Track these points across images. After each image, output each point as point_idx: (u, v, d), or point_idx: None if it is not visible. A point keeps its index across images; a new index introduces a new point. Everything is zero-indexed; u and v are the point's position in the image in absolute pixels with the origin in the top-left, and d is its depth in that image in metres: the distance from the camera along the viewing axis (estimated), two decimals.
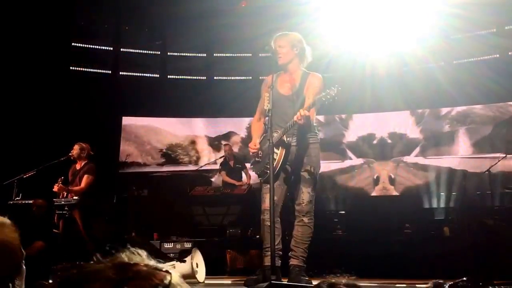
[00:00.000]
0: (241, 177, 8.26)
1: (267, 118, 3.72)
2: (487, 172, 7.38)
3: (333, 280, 1.01)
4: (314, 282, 3.61)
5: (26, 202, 6.01)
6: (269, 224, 3.66)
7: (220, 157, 8.74)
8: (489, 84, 8.43)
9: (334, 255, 6.50)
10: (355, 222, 7.89)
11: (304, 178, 3.89)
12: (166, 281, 0.78)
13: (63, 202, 6.17)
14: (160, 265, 0.82)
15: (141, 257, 0.83)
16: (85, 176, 6.43)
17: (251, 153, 4.03)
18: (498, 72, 8.38)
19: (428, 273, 5.62)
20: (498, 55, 8.77)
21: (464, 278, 1.17)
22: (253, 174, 5.37)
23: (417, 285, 4.81)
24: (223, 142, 9.37)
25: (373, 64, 9.28)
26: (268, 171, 3.70)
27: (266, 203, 3.85)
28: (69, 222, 6.11)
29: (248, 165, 7.01)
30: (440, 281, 1.23)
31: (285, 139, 3.77)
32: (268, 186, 3.76)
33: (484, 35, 8.46)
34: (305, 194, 3.86)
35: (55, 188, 6.20)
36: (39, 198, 6.01)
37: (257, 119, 4.17)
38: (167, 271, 0.81)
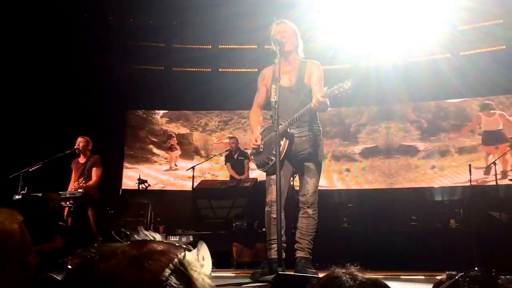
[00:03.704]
0: (244, 170, 8.28)
1: (273, 110, 3.69)
2: (493, 164, 7.33)
3: (355, 272, 1.00)
4: (321, 274, 3.60)
5: (41, 195, 6.02)
6: (274, 216, 3.68)
7: (226, 150, 8.75)
8: (495, 76, 8.35)
9: (341, 248, 6.51)
10: (362, 215, 7.88)
11: (309, 168, 3.88)
12: (181, 256, 0.77)
13: (68, 195, 6.22)
14: (174, 242, 0.83)
15: (155, 238, 0.84)
16: (94, 169, 6.53)
17: (252, 148, 4.05)
18: (505, 64, 8.28)
19: (434, 266, 5.61)
20: (504, 47, 8.65)
21: (476, 268, 1.16)
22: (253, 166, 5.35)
23: (423, 277, 4.80)
24: (230, 135, 9.38)
25: (378, 56, 9.20)
26: (269, 162, 3.79)
27: (270, 195, 3.85)
28: (77, 215, 6.16)
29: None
30: (453, 272, 1.22)
31: (288, 130, 3.79)
32: (273, 177, 3.78)
33: (490, 26, 8.35)
34: (310, 184, 3.85)
35: (76, 185, 6.29)
36: (50, 192, 6.03)
37: (255, 111, 4.18)
38: (182, 247, 0.81)
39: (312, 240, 3.83)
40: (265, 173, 4.00)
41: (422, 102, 9.56)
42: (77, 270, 0.77)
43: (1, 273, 1.41)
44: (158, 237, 0.83)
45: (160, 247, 0.78)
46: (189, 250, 0.81)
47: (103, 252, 0.77)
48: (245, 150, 8.39)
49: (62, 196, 6.12)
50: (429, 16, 8.38)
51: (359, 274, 1.00)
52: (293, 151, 3.86)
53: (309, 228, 3.83)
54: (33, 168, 6.32)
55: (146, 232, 0.83)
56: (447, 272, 1.22)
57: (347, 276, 1.00)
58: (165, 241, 0.82)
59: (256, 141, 3.94)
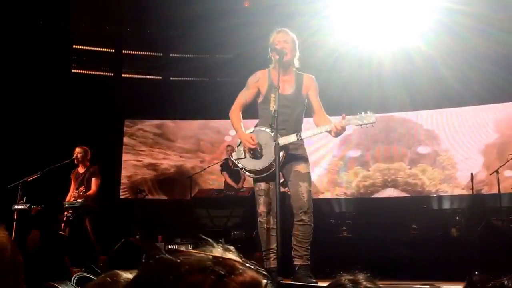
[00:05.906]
0: (240, 178, 8.24)
1: (272, 120, 3.63)
2: (495, 173, 7.29)
3: (352, 277, 0.99)
4: (321, 283, 3.56)
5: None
6: (268, 226, 3.75)
7: (224, 159, 8.71)
8: (497, 82, 8.29)
9: (340, 257, 6.47)
10: (361, 223, 7.83)
11: (301, 173, 3.84)
12: (263, 283, 0.77)
13: (67, 205, 6.21)
14: (248, 264, 0.81)
15: (233, 253, 0.83)
16: (93, 179, 6.56)
17: (248, 149, 3.84)
18: (507, 69, 8.22)
19: (435, 275, 5.58)
20: (506, 52, 8.55)
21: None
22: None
23: (424, 286, 4.76)
24: (226, 144, 9.33)
25: (379, 62, 9.15)
26: (271, 168, 3.72)
27: (261, 206, 3.84)
28: (75, 225, 6.14)
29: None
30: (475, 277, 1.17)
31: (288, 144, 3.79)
32: (263, 187, 3.83)
33: (492, 31, 8.28)
34: (303, 188, 3.80)
35: (76, 194, 6.28)
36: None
37: (236, 109, 4.04)
38: (258, 271, 0.79)
39: (309, 246, 3.77)
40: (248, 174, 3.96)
41: (424, 110, 9.49)
42: (159, 270, 0.75)
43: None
44: (234, 250, 0.83)
45: (239, 267, 0.77)
46: (267, 277, 0.80)
47: (192, 264, 0.75)
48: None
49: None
50: (429, 22, 8.35)
51: (364, 282, 0.99)
52: (286, 158, 3.83)
53: (306, 235, 3.77)
54: (31, 178, 6.31)
55: (226, 245, 0.84)
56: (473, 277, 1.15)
57: (351, 284, 0.98)
58: (246, 263, 0.80)
59: (252, 140, 3.79)
